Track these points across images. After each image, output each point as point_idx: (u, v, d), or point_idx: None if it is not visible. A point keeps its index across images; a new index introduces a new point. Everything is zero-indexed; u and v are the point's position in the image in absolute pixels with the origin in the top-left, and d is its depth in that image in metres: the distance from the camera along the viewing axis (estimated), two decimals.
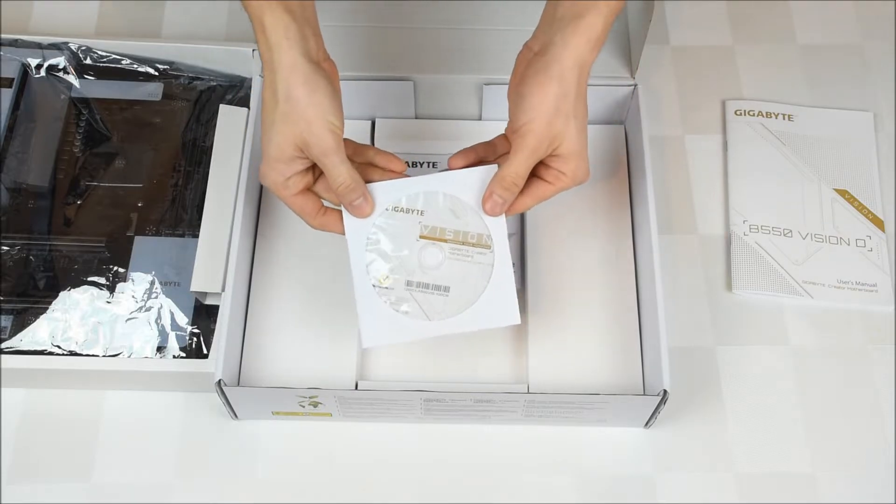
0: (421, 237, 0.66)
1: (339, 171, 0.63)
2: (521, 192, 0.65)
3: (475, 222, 0.66)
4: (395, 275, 0.65)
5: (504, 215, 0.66)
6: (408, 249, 0.66)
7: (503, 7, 0.84)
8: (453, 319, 0.65)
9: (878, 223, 0.82)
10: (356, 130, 0.81)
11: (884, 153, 0.86)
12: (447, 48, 0.82)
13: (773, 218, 0.82)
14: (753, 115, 0.87)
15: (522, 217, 0.80)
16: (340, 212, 0.66)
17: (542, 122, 0.61)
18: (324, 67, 0.63)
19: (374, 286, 0.65)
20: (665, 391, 0.67)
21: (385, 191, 0.66)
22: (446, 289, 0.66)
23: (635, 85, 0.80)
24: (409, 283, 0.65)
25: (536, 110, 0.61)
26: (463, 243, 0.66)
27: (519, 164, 0.63)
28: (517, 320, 0.66)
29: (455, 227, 0.66)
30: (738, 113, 0.87)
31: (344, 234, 0.66)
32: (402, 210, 0.66)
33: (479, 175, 0.66)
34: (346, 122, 0.81)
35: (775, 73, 0.90)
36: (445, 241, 0.66)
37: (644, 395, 0.72)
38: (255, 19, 0.62)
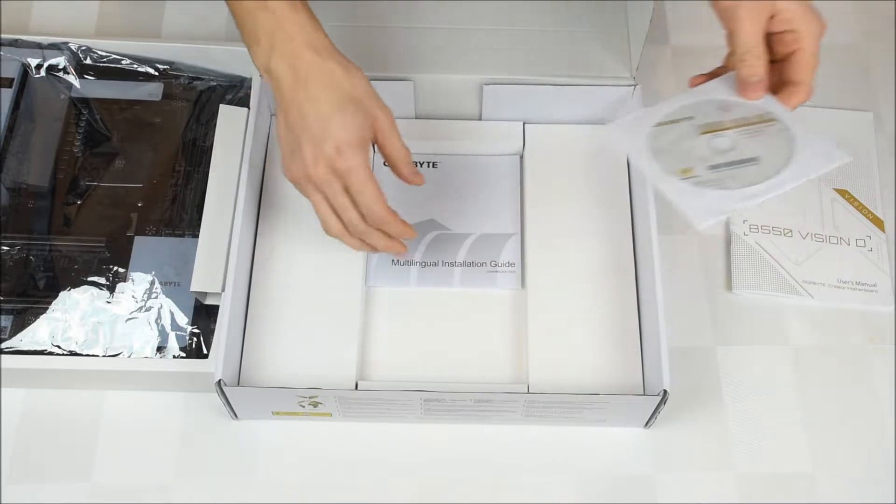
0: (701, 134, 0.67)
1: (400, 143, 0.66)
2: (780, 65, 0.65)
3: (748, 107, 0.66)
4: (695, 165, 0.65)
5: (770, 95, 0.66)
6: (693, 145, 0.66)
7: (503, 7, 0.84)
8: (780, 177, 0.64)
9: (878, 223, 0.82)
10: None
11: (884, 153, 0.86)
12: (447, 48, 0.82)
13: (773, 218, 0.82)
14: None
15: (522, 217, 0.80)
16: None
17: None
18: None
19: (679, 179, 0.65)
20: (665, 391, 0.67)
21: (642, 116, 0.69)
22: (753, 158, 0.65)
23: (635, 85, 0.80)
24: (712, 167, 0.65)
25: None
26: (747, 124, 0.66)
27: (743, 33, 0.63)
28: (846, 156, 0.64)
29: (730, 117, 0.67)
30: None
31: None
32: (669, 122, 0.67)
33: (727, 79, 0.67)
34: None
35: None
36: (727, 128, 0.66)
37: (644, 395, 0.72)
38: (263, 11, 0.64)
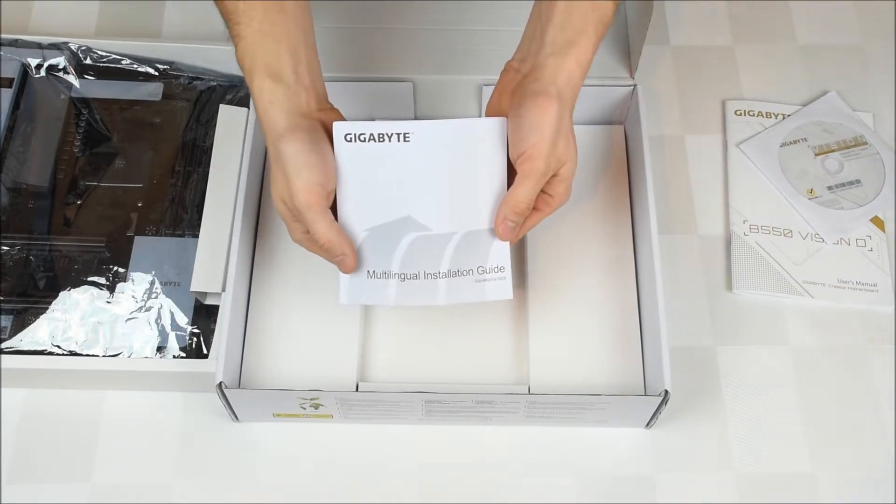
0: (816, 155, 0.83)
1: (316, 228, 0.62)
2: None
3: (845, 129, 0.85)
4: (815, 185, 0.81)
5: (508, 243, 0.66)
6: (811, 165, 0.83)
7: (503, 7, 0.84)
8: (881, 196, 0.82)
9: (879, 223, 0.82)
10: None
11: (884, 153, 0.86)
12: (446, 49, 0.82)
13: (773, 218, 0.82)
14: (753, 115, 0.87)
15: None
16: None
17: (547, 144, 0.61)
18: (315, 118, 0.63)
19: (807, 199, 0.81)
20: (666, 391, 0.67)
21: (766, 138, 0.84)
22: (857, 181, 0.82)
23: (635, 85, 0.80)
24: (829, 188, 0.81)
25: (541, 132, 0.61)
26: (847, 147, 0.84)
27: (529, 190, 0.62)
28: None
29: (833, 139, 0.84)
30: (738, 113, 0.87)
31: None
32: (790, 143, 0.81)
33: (827, 101, 0.86)
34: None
35: (775, 73, 0.90)
36: (833, 150, 0.83)
37: (645, 395, 0.71)
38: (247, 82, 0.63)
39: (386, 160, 0.64)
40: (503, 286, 0.67)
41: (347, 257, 0.64)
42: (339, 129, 0.63)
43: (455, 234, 0.66)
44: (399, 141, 0.64)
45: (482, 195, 0.66)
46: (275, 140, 0.61)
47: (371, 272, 0.66)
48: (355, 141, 0.64)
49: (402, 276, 0.66)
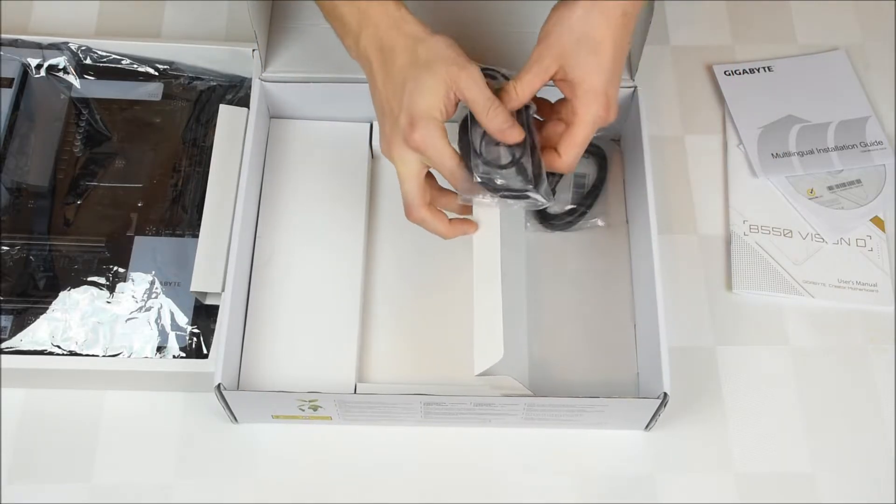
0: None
1: (483, 95, 0.63)
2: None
3: (843, 130, 0.85)
4: (816, 186, 0.83)
5: None
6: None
7: (503, 7, 0.84)
8: (882, 196, 0.83)
9: (879, 223, 0.82)
10: (355, 133, 0.80)
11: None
12: None
13: (773, 218, 0.82)
14: None
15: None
16: None
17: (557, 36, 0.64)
18: None
19: (808, 199, 0.82)
20: (665, 394, 0.67)
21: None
22: (858, 181, 0.83)
23: (635, 86, 0.80)
24: (829, 188, 0.82)
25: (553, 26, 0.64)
26: (846, 146, 0.84)
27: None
28: None
29: (833, 141, 0.85)
30: None
31: None
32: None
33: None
34: (344, 124, 0.81)
35: None
36: (834, 149, 0.84)
37: (644, 397, 0.71)
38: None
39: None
40: (886, 153, 0.84)
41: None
42: (718, 69, 0.88)
43: (832, 122, 0.84)
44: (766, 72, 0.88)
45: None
46: (419, 28, 0.63)
47: (775, 153, 0.83)
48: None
49: (801, 153, 0.83)
